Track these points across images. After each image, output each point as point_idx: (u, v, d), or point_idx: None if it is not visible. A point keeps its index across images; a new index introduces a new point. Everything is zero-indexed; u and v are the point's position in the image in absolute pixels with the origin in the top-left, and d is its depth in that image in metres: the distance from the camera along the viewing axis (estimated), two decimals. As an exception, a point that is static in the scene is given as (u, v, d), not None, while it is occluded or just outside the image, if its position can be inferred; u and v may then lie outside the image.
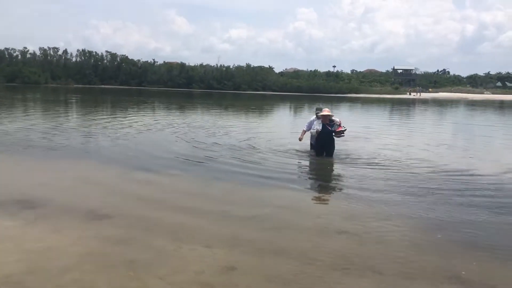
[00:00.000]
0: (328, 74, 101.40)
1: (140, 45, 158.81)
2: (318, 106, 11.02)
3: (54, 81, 74.67)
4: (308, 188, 7.89)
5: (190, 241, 4.84)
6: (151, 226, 5.33)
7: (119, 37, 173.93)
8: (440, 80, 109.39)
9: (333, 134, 9.80)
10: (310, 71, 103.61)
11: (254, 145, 11.89)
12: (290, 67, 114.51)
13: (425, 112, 35.24)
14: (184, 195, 6.97)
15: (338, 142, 10.29)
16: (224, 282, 3.91)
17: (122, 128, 15.71)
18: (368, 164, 9.68)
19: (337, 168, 9.46)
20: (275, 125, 19.65)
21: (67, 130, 14.43)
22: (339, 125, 9.80)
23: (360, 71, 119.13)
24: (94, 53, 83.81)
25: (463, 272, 4.23)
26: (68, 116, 21.01)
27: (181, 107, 31.98)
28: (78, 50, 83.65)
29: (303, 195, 7.20)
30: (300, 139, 10.68)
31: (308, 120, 10.72)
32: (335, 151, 10.11)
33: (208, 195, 7.00)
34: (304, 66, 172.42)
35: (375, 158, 10.50)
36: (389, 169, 9.18)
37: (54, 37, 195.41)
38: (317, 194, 7.53)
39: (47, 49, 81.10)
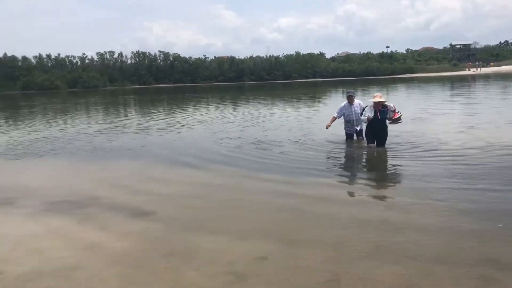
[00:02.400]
0: (382, 55, 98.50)
1: (192, 43, 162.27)
2: (349, 90, 10.58)
3: (111, 84, 78.00)
4: (347, 179, 7.81)
5: (226, 233, 4.98)
6: (190, 221, 5.53)
7: (171, 36, 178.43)
8: (502, 52, 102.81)
9: (389, 121, 9.24)
10: (363, 53, 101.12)
11: (301, 138, 11.71)
12: (341, 52, 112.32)
13: (486, 88, 33.43)
14: (224, 188, 7.15)
15: (393, 127, 9.79)
16: (254, 271, 4.01)
17: (174, 125, 16.22)
18: (425, 150, 9.17)
19: (386, 155, 9.12)
20: (325, 115, 19.42)
21: (123, 131, 15.12)
22: (394, 111, 9.18)
23: (415, 50, 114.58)
24: (147, 54, 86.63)
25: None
26: (124, 117, 21.94)
27: (232, 101, 32.42)
28: (132, 52, 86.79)
29: (344, 186, 7.14)
30: (327, 127, 10.22)
31: (340, 106, 10.32)
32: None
33: (247, 188, 7.11)
34: (356, 49, 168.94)
35: (432, 142, 9.91)
36: (447, 154, 8.68)
37: (111, 42, 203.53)
38: (357, 184, 7.41)
39: (103, 53, 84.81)
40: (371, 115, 9.16)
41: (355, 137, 10.38)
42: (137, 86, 77.26)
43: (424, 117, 15.22)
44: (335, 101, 25.35)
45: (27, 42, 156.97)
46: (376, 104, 9.16)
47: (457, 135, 10.88)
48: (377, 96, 9.26)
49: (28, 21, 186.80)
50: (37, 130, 16.23)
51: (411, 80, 58.82)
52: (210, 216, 5.72)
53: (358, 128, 10.29)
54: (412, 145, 9.80)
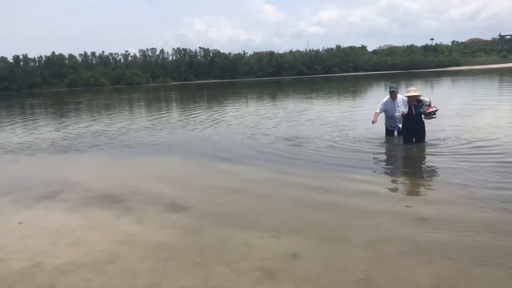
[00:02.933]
0: (426, 48, 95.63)
1: (232, 38, 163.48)
2: (392, 84, 10.15)
3: (154, 80, 79.74)
4: (384, 176, 7.60)
5: (259, 229, 4.97)
6: (224, 216, 5.56)
7: (211, 32, 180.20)
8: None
9: (423, 116, 8.84)
10: (406, 46, 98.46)
11: (338, 134, 11.52)
12: (384, 45, 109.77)
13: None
14: (259, 184, 7.15)
15: (433, 122, 9.49)
16: (285, 269, 3.98)
17: (212, 121, 16.39)
18: (468, 146, 8.82)
19: (425, 151, 8.80)
20: (366, 110, 19.02)
21: (163, 126, 15.44)
22: (429, 105, 8.76)
23: (462, 42, 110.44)
24: (188, 50, 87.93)
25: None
26: (166, 112, 22.37)
27: (270, 96, 32.40)
28: (173, 49, 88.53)
29: (381, 183, 6.93)
30: (373, 122, 9.84)
31: (382, 101, 9.93)
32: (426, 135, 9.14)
33: (282, 183, 7.07)
34: (400, 42, 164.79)
35: (476, 139, 9.51)
36: (491, 151, 8.27)
37: (153, 38, 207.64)
38: (393, 181, 7.24)
39: (145, 50, 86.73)
40: (406, 110, 8.82)
41: (395, 134, 10.03)
42: (179, 82, 78.57)
43: (470, 112, 14.68)
44: (377, 95, 24.92)
45: (72, 41, 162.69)
46: (411, 99, 8.80)
47: (503, 131, 10.37)
48: (411, 90, 8.92)
49: (72, 19, 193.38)
50: (82, 126, 16.79)
51: (457, 73, 56.82)
52: (243, 212, 5.73)
53: (400, 125, 9.76)
54: (455, 140, 9.45)
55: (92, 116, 21.95)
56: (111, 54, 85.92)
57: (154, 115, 20.73)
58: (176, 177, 8.00)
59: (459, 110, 14.90)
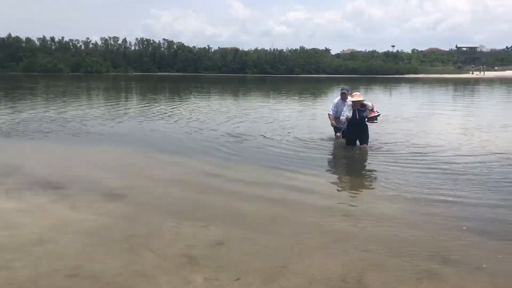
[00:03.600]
0: (387, 54, 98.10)
1: (198, 32, 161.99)
2: (344, 86, 10.35)
3: (115, 69, 77.83)
4: (320, 174, 7.72)
5: (190, 219, 5.12)
6: (159, 206, 5.67)
7: (178, 24, 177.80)
8: (508, 57, 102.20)
9: (366, 120, 9.11)
10: (368, 52, 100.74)
11: (284, 132, 11.86)
12: (347, 48, 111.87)
13: (487, 92, 33.44)
14: (197, 176, 7.28)
15: (385, 126, 9.85)
16: (208, 255, 4.14)
17: (164, 113, 16.34)
18: (409, 150, 9.22)
19: (367, 154, 9.12)
20: (319, 111, 19.46)
21: (116, 117, 15.23)
22: (372, 110, 9.07)
23: (421, 51, 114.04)
24: (151, 41, 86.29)
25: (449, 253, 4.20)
26: (121, 103, 22.05)
27: (229, 93, 32.49)
28: (136, 39, 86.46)
29: (315, 181, 7.13)
30: (333, 125, 10.08)
31: (333, 102, 10.14)
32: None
33: (218, 176, 7.25)
34: (363, 47, 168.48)
35: (418, 143, 9.98)
36: (424, 157, 8.65)
37: (117, 27, 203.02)
38: (328, 179, 7.49)
39: (108, 38, 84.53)
40: (350, 114, 9.03)
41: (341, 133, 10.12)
42: (140, 73, 77.12)
43: (420, 117, 15.41)
44: (332, 98, 25.44)
45: (31, 25, 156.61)
46: (355, 103, 9.02)
47: (446, 137, 10.99)
48: (356, 95, 9.14)
49: (33, 2, 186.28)
50: (32, 111, 16.31)
51: (415, 80, 58.68)
52: (178, 202, 5.87)
53: (342, 127, 9.83)
54: (397, 144, 9.91)
55: (44, 102, 21.34)
56: (71, 40, 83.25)
57: (108, 105, 20.40)
58: (117, 167, 7.99)
59: (409, 115, 15.58)
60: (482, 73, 72.52)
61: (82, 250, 4.25)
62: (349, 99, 9.34)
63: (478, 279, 3.77)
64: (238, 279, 3.71)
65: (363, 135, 9.29)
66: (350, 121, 9.08)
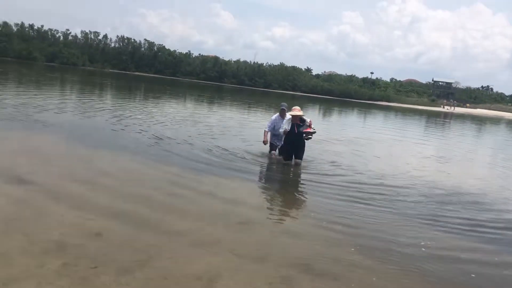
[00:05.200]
0: (365, 80, 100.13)
1: (184, 37, 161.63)
2: (283, 103, 10.14)
3: (91, 64, 76.96)
4: (236, 182, 7.76)
5: (82, 209, 5.18)
6: (58, 195, 5.70)
7: (164, 27, 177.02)
8: (481, 96, 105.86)
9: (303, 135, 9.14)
10: (347, 75, 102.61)
11: (219, 144, 11.95)
12: (329, 70, 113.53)
13: (451, 125, 34.46)
14: (108, 171, 7.36)
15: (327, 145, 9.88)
16: (80, 244, 4.25)
17: (118, 115, 16.27)
18: (334, 171, 9.27)
19: (297, 169, 9.18)
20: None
21: (64, 109, 15.09)
22: (309, 126, 9.11)
23: (399, 80, 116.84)
24: (132, 40, 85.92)
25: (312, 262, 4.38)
26: (85, 97, 21.84)
27: (196, 99, 32.57)
28: (117, 36, 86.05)
29: (230, 188, 7.34)
30: (264, 142, 9.88)
31: (271, 118, 9.97)
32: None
33: (121, 170, 7.55)
34: (344, 70, 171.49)
35: (349, 166, 10.11)
36: (352, 178, 8.78)
37: (100, 23, 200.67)
38: (243, 187, 7.54)
39: (88, 33, 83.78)
40: (288, 128, 9.07)
41: (277, 151, 10.05)
42: (116, 71, 76.42)
43: (365, 141, 15.84)
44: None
45: (12, 10, 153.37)
46: (294, 118, 9.07)
47: (381, 163, 11.35)
48: (296, 109, 9.14)
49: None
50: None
51: (386, 108, 59.92)
52: (78, 192, 5.90)
53: (279, 144, 9.94)
54: (329, 164, 10.05)
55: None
56: (50, 29, 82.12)
57: (67, 97, 20.19)
58: (37, 155, 7.96)
59: (367, 138, 16.03)
60: (452, 108, 74.63)
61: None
62: (289, 113, 9.31)
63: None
64: (95, 267, 3.80)
65: (299, 150, 9.30)
66: (287, 135, 9.11)
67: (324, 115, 33.06)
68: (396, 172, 10.08)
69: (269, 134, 9.96)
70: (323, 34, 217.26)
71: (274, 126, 9.83)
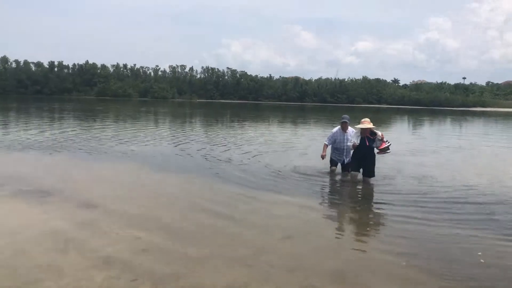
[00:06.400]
0: (457, 86, 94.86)
1: (267, 62, 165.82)
2: (344, 115, 9.52)
3: (180, 96, 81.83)
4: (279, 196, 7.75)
5: (134, 227, 5.55)
6: (118, 216, 6.13)
7: (248, 54, 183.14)
8: None
9: (377, 151, 8.66)
10: (437, 83, 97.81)
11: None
12: (418, 79, 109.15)
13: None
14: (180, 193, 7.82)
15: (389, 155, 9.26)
16: (126, 259, 4.55)
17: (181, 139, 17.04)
18: (415, 190, 8.33)
19: (366, 184, 8.67)
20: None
21: (144, 140, 16.20)
22: (382, 140, 8.53)
23: (496, 83, 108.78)
24: (216, 70, 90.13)
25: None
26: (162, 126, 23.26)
27: (270, 121, 33.00)
28: (202, 67, 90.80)
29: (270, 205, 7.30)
30: (322, 157, 9.40)
31: (332, 131, 9.51)
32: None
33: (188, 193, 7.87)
34: (434, 78, 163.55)
35: (433, 182, 9.13)
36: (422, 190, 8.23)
37: (190, 57, 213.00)
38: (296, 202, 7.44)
39: (175, 66, 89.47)
40: (357, 141, 8.61)
41: (339, 166, 9.64)
42: (203, 100, 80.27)
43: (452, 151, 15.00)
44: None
45: (111, 53, 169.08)
46: (364, 131, 8.61)
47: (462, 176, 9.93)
48: (365, 121, 8.62)
49: (116, 32, 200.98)
50: (68, 129, 17.71)
51: (481, 114, 55.98)
52: (140, 213, 6.33)
53: (346, 160, 9.43)
54: (404, 179, 9.26)
55: (91, 122, 23.04)
56: (142, 67, 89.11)
57: (152, 128, 21.60)
58: (112, 182, 8.69)
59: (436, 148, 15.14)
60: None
61: (21, 249, 4.80)
62: (357, 126, 8.74)
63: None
64: (135, 279, 4.05)
65: (369, 164, 8.75)
66: (357, 148, 8.65)
67: (414, 127, 31.48)
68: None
69: (328, 148, 9.59)
70: (409, 43, 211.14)
71: (335, 140, 9.42)
